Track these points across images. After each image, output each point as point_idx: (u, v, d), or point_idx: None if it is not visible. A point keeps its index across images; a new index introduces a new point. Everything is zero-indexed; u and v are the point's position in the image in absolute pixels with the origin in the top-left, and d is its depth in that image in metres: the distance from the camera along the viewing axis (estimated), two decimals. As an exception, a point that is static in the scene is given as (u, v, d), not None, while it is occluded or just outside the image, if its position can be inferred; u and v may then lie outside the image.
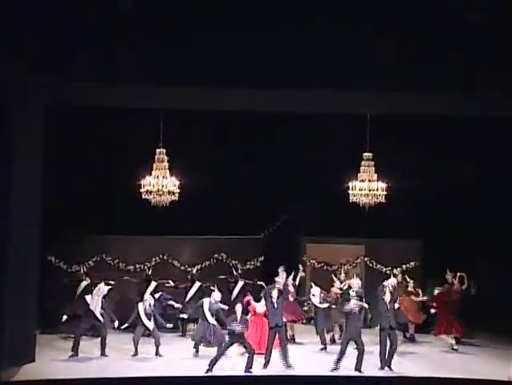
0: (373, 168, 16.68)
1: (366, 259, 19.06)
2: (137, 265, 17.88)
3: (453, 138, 16.83)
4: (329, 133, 16.82)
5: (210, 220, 17.57)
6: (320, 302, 15.80)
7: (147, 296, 15.25)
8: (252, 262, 18.74)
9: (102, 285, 14.82)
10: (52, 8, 12.28)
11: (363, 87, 13.16)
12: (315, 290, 15.97)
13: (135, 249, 18.20)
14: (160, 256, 18.21)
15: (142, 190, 16.04)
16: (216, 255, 18.54)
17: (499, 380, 13.09)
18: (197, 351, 14.70)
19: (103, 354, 14.49)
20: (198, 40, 12.77)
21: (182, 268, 18.21)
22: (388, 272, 18.34)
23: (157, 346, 14.62)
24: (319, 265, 19.15)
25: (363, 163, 16.72)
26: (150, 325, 14.62)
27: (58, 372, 13.15)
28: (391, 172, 16.72)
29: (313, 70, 12.90)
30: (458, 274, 16.26)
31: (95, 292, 14.66)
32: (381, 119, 15.60)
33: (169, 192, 16.03)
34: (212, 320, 14.33)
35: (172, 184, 16.09)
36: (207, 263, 18.39)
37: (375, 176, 16.63)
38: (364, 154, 16.69)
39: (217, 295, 14.66)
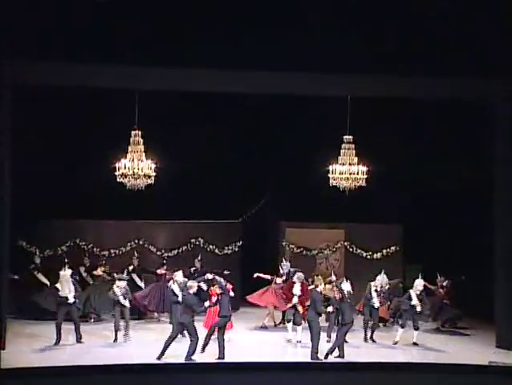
0: (354, 152, 16.39)
1: (346, 244, 18.95)
2: (112, 250, 17.59)
3: (435, 122, 16.69)
4: (309, 115, 16.60)
5: (187, 204, 17.27)
6: None
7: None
8: (230, 247, 18.51)
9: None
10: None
11: (344, 69, 13.02)
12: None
13: (110, 233, 17.90)
14: (136, 241, 17.94)
15: (117, 173, 15.71)
16: (193, 240, 18.29)
17: (480, 365, 13.04)
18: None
19: (78, 340, 14.28)
20: (175, 18, 12.48)
21: (158, 253, 17.92)
22: (369, 257, 18.22)
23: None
24: (299, 250, 18.96)
25: (343, 146, 16.43)
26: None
27: (29, 360, 12.79)
28: (372, 156, 16.45)
29: (294, 51, 12.70)
30: (445, 282, 16.36)
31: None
32: (362, 102, 15.30)
33: (145, 176, 15.73)
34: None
35: (148, 167, 15.77)
36: (184, 248, 18.14)
37: (355, 160, 16.35)
38: (345, 137, 16.40)
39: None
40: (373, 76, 13.35)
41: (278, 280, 16.19)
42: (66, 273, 14.37)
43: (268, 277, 16.22)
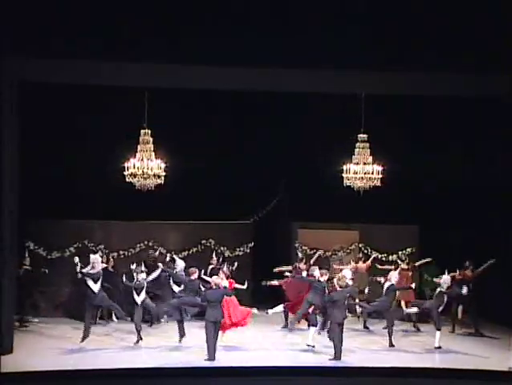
0: (368, 151, 16.22)
1: (360, 245, 18.55)
2: (121, 252, 17.29)
3: (451, 119, 16.45)
4: (322, 113, 16.45)
5: (198, 204, 17.06)
6: None
7: None
8: (241, 249, 18.17)
9: None
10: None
11: (358, 66, 12.83)
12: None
13: (119, 234, 17.56)
14: (145, 242, 17.59)
15: (126, 173, 15.60)
16: (204, 241, 17.93)
17: (499, 370, 12.88)
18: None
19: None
20: (178, 15, 12.41)
21: (168, 254, 17.62)
22: (384, 258, 17.94)
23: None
24: (312, 252, 18.64)
25: (357, 145, 16.26)
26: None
27: (38, 364, 12.60)
28: (387, 155, 16.26)
29: (306, 48, 12.57)
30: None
31: None
32: (377, 99, 15.21)
33: (155, 176, 15.63)
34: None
35: (157, 166, 15.65)
36: (194, 250, 17.80)
37: (370, 159, 16.17)
38: (359, 135, 16.22)
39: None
40: (379, 73, 13.20)
41: (302, 265, 15.98)
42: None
43: (276, 283, 15.97)
